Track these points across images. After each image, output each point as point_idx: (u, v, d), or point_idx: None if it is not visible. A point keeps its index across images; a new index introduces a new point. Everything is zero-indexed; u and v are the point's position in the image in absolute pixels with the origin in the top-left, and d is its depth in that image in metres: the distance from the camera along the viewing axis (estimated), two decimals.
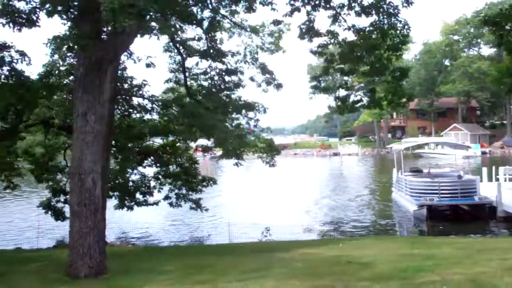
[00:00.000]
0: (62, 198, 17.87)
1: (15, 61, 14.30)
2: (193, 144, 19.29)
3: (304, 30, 13.71)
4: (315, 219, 24.82)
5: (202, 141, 18.54)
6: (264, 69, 17.55)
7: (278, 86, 17.57)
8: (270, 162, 17.28)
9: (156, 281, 9.13)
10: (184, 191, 18.73)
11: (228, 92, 17.05)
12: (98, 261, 9.88)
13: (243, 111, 17.14)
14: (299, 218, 24.48)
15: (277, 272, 9.43)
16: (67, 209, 17.23)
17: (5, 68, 14.42)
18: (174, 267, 10.64)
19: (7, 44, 14.14)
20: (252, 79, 17.77)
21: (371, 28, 13.17)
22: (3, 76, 14.41)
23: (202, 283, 8.77)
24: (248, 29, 17.49)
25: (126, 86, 16.35)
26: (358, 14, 12.93)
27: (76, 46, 11.20)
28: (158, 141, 18.79)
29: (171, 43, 16.52)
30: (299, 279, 8.64)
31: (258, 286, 8.34)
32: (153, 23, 10.80)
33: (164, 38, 16.03)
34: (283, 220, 22.04)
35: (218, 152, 18.38)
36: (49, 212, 17.94)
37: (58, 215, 17.80)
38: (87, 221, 9.81)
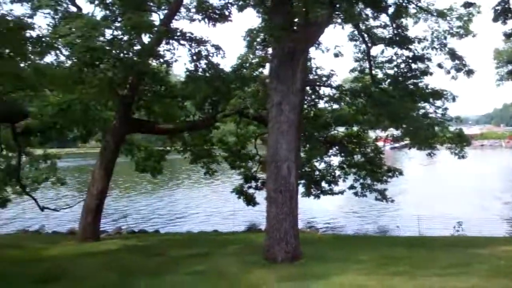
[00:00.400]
0: (253, 184, 18.76)
1: (211, 54, 15.52)
2: (382, 134, 18.96)
3: (498, 12, 12.65)
4: (509, 214, 22.88)
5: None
6: (453, 55, 16.43)
7: (469, 72, 16.31)
8: (459, 154, 16.24)
9: (351, 270, 9.11)
10: (369, 181, 18.48)
11: (415, 80, 16.35)
12: (293, 246, 10.16)
13: (430, 99, 16.34)
14: (492, 212, 22.85)
15: (479, 269, 8.97)
16: (257, 195, 18.16)
17: (203, 62, 15.71)
18: (367, 256, 10.53)
19: (203, 39, 15.38)
20: (440, 65, 16.74)
21: None
22: (200, 69, 15.70)
23: (399, 275, 8.58)
24: (435, 14, 16.54)
25: (311, 76, 16.57)
26: None
27: (270, 38, 11.63)
28: (341, 130, 18.76)
29: (355, 32, 16.31)
30: (507, 278, 8.09)
31: (460, 283, 7.92)
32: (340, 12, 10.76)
33: (348, 27, 15.88)
34: (474, 214, 20.65)
35: (401, 142, 17.83)
36: (241, 197, 18.88)
37: (249, 200, 18.69)
38: (283, 207, 10.13)
